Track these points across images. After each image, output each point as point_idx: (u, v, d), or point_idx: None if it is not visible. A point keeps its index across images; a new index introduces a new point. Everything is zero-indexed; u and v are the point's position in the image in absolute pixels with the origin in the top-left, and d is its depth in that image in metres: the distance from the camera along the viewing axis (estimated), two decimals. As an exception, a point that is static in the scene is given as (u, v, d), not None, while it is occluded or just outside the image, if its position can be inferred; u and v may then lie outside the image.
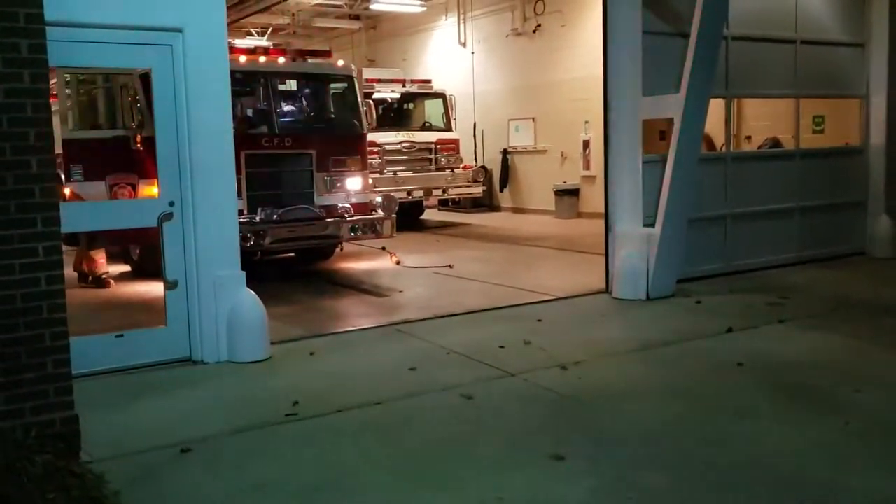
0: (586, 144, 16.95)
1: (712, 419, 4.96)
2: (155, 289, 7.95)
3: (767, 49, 9.90)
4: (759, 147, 12.48)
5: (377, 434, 4.83)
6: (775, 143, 12.10)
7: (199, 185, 6.13)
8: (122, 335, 6.16)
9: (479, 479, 4.16)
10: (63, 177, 8.60)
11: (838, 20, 10.58)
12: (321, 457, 4.52)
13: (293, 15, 21.78)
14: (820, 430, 4.73)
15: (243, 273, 6.37)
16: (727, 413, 5.04)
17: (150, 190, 7.32)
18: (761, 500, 3.88)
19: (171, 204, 6.11)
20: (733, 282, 9.10)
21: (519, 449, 4.54)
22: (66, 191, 8.64)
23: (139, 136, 8.85)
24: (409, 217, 15.77)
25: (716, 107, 9.03)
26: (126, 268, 10.51)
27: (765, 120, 12.87)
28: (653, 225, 8.38)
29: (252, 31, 22.38)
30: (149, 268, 9.37)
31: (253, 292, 6.38)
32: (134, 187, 8.76)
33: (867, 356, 6.27)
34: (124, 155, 8.93)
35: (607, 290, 8.65)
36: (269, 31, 22.70)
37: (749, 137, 13.40)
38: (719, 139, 11.03)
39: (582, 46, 16.39)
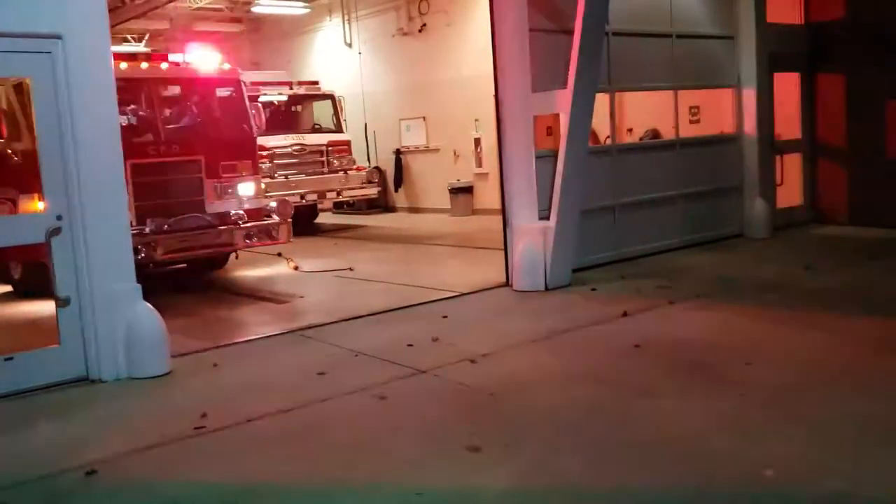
0: (478, 142, 17.20)
1: (618, 400, 5.16)
2: (42, 308, 7.60)
3: (646, 44, 10.35)
4: (640, 139, 13.01)
5: (291, 441, 4.78)
6: (655, 134, 12.66)
7: (88, 196, 5.90)
8: (11, 358, 5.82)
9: (398, 477, 4.19)
10: None
11: (709, 14, 11.15)
12: (235, 468, 4.44)
13: (171, 19, 21.11)
14: (717, 404, 4.98)
15: (139, 286, 6.17)
16: (631, 393, 5.26)
17: (34, 204, 6.96)
18: (671, 473, 4.06)
19: (59, 217, 5.84)
20: (624, 268, 9.47)
21: (436, 444, 4.59)
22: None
23: (15, 148, 8.42)
24: (303, 221, 15.56)
25: (599, 101, 9.35)
26: (7, 288, 9.96)
27: (643, 112, 13.42)
28: (547, 218, 8.62)
29: (129, 37, 21.54)
30: (33, 286, 8.92)
31: (150, 305, 6.18)
32: (14, 202, 8.31)
33: (751, 330, 6.64)
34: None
35: (508, 283, 8.84)
36: (146, 37, 21.91)
37: (630, 130, 13.92)
38: (603, 132, 11.43)
39: (469, 45, 16.61)
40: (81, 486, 4.26)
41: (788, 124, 12.15)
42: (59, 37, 5.73)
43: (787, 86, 12.03)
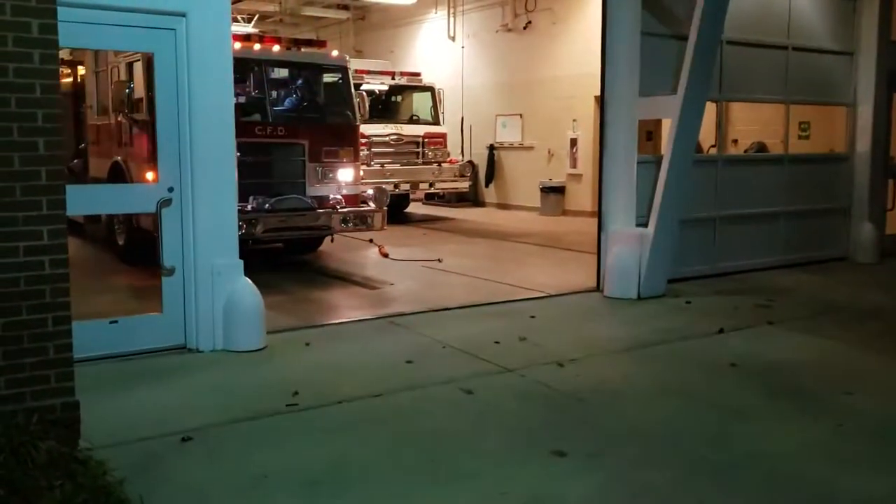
0: (574, 142, 17.02)
1: (710, 418, 5.01)
2: (143, 276, 7.89)
3: (760, 54, 9.99)
4: (745, 151, 12.62)
5: (379, 426, 4.83)
6: (761, 147, 12.25)
7: (199, 171, 6.07)
8: (116, 321, 6.07)
9: (482, 473, 4.18)
10: None
11: (829, 28, 10.68)
12: (324, 448, 4.51)
13: (280, 3, 21.63)
14: (814, 431, 4.80)
15: (241, 261, 6.32)
16: (724, 412, 5.10)
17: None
18: (760, 496, 3.93)
19: (171, 189, 6.04)
20: (721, 283, 9.19)
21: (521, 444, 4.55)
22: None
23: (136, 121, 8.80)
24: (394, 210, 15.72)
25: (707, 109, 9.07)
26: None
27: (749, 124, 13.01)
28: (645, 225, 8.44)
29: (238, 17, 22.17)
30: (135, 255, 9.28)
31: (250, 281, 6.34)
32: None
33: (854, 359, 6.37)
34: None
35: (598, 288, 8.70)
36: (255, 18, 22.52)
37: (735, 141, 13.55)
38: (707, 141, 11.13)
39: (572, 44, 16.45)
40: (176, 452, 4.40)
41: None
42: (183, 14, 5.92)
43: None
